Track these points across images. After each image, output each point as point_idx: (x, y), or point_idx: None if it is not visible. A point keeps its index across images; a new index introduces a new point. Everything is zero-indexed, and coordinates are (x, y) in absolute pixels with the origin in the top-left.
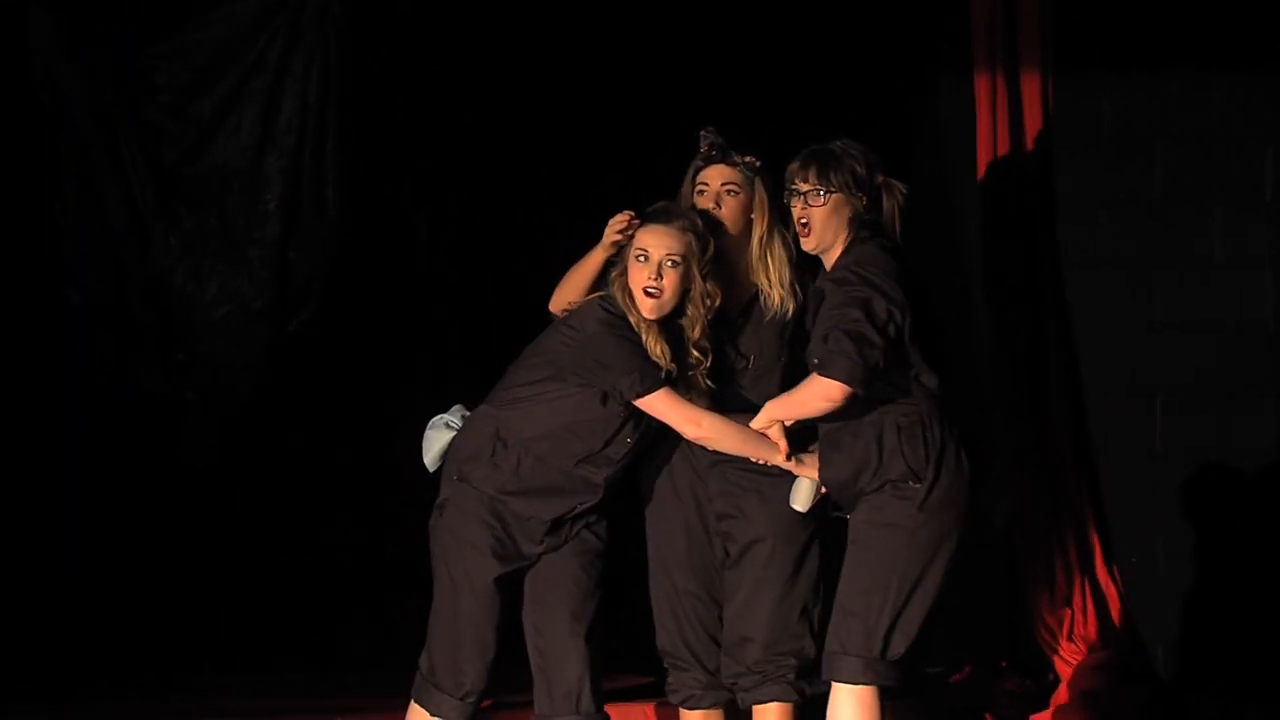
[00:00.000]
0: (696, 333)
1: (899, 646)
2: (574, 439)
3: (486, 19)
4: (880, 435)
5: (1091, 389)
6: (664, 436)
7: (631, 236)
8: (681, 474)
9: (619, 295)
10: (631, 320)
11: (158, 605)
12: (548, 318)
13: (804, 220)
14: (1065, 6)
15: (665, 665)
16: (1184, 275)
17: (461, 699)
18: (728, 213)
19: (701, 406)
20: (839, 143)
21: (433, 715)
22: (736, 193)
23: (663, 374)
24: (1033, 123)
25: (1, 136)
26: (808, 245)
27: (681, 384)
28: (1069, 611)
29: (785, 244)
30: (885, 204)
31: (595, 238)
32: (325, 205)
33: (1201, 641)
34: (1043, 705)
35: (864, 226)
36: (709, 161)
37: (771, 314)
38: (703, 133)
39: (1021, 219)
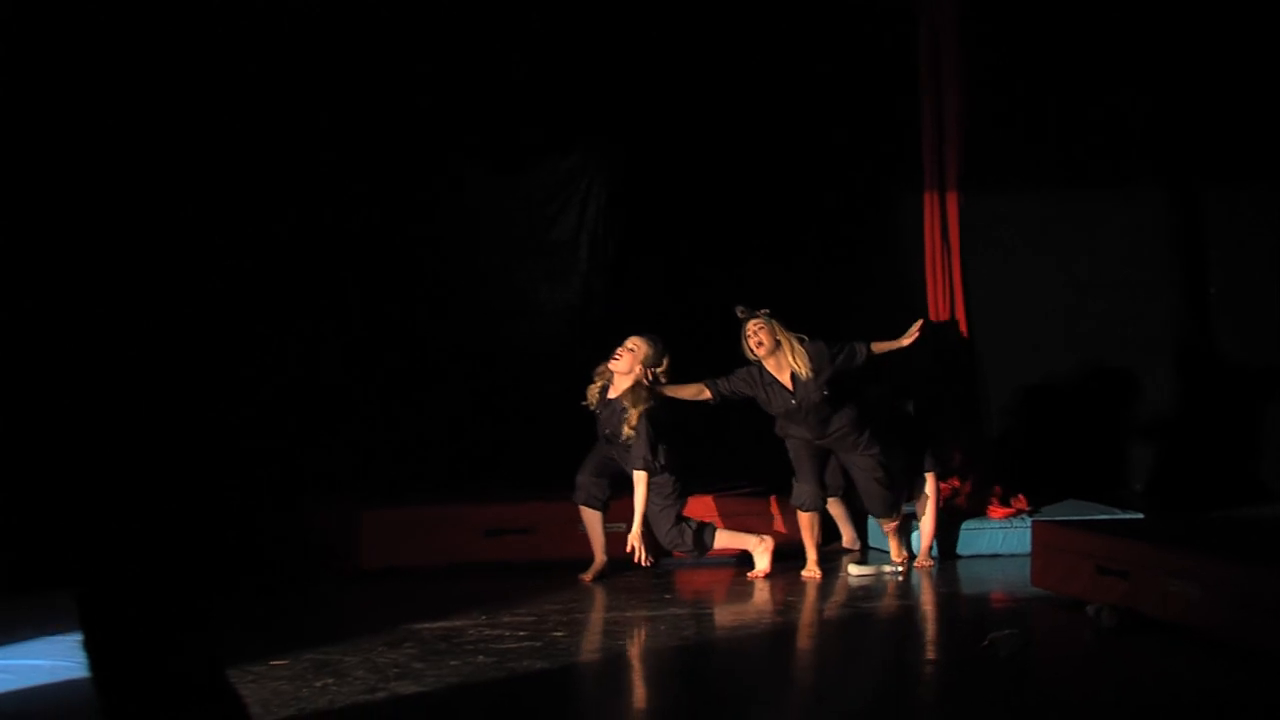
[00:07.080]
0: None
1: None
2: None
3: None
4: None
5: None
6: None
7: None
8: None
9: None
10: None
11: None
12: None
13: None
14: (966, 155)
15: (794, 482)
16: (1002, 301)
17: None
18: (766, 338)
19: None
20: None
21: (577, 503)
22: (763, 329)
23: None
24: (952, 223)
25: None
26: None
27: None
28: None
29: (800, 342)
30: None
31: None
32: (608, 256)
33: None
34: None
35: None
36: (744, 320)
37: (806, 378)
38: (738, 308)
39: (947, 276)
